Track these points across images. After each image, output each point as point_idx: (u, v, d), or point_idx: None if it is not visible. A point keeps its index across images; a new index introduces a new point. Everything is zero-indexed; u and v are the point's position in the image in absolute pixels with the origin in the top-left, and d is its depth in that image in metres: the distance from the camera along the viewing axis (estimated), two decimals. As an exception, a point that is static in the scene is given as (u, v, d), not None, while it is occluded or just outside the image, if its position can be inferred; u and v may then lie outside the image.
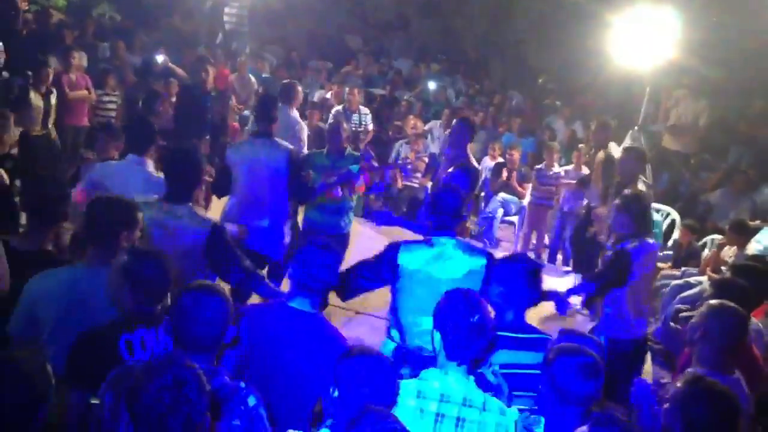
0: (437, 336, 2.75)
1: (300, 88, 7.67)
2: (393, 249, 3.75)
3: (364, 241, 7.84)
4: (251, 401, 2.47)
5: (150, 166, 4.54)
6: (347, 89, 10.27)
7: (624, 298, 4.56)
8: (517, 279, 3.33)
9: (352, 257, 6.62)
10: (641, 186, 5.89)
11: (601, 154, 6.97)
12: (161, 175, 4.30)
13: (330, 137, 5.85)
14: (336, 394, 2.46)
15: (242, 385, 2.51)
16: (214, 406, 2.20)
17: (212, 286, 2.59)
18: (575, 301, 5.40)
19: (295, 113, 7.59)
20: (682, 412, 2.55)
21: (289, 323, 3.03)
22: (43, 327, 2.97)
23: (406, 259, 3.70)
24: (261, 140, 5.21)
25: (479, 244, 3.99)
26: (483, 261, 3.74)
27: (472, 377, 2.75)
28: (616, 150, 6.98)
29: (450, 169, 5.45)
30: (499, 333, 3.14)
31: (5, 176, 5.02)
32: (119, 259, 2.82)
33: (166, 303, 2.81)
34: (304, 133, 7.35)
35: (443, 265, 3.69)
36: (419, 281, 3.67)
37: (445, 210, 3.75)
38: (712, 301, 3.39)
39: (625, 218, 4.61)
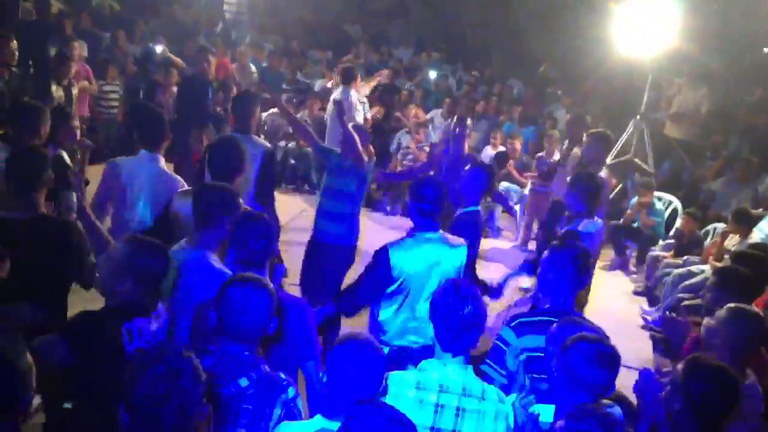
0: (430, 327, 2.78)
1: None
2: (382, 253, 3.74)
3: (366, 232, 7.86)
4: (291, 392, 2.53)
5: (161, 161, 4.49)
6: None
7: None
8: (567, 266, 3.29)
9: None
10: (604, 173, 5.99)
11: (576, 151, 6.78)
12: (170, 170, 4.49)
13: (346, 143, 5.25)
14: (325, 379, 2.46)
15: (282, 376, 2.56)
16: (208, 391, 2.20)
17: (259, 279, 2.63)
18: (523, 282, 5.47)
19: (353, 94, 8.04)
20: (682, 390, 2.58)
21: None
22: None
23: (399, 258, 3.69)
24: (238, 137, 5.11)
25: (456, 238, 3.99)
26: (464, 249, 3.87)
27: (470, 367, 2.77)
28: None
29: (467, 167, 5.34)
30: (545, 318, 3.16)
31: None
32: (116, 248, 2.88)
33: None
34: (360, 115, 7.43)
35: (438, 256, 3.72)
36: (424, 276, 3.70)
37: (428, 199, 3.76)
38: (731, 306, 3.36)
39: (574, 196, 4.74)
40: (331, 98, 8.55)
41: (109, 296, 2.88)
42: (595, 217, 4.82)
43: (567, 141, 7.37)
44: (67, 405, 2.53)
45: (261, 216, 3.23)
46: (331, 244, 5.24)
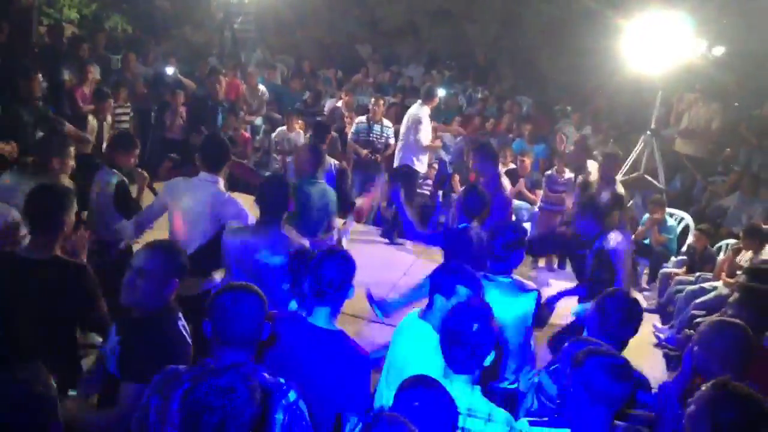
0: (440, 348, 2.75)
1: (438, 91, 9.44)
2: None
3: (378, 250, 7.88)
4: (292, 396, 2.52)
5: (221, 184, 4.49)
6: (372, 99, 10.06)
7: None
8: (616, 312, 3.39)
9: (364, 264, 6.71)
10: (619, 187, 6.45)
11: (579, 178, 7.07)
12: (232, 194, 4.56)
13: None
14: None
15: (281, 380, 2.55)
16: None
17: (248, 286, 2.66)
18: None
19: (425, 110, 8.78)
20: (709, 416, 2.51)
21: (310, 341, 2.94)
22: None
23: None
24: None
25: (529, 283, 4.01)
26: (534, 295, 3.89)
27: (477, 387, 2.74)
28: (593, 168, 7.15)
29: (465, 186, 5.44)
30: None
31: None
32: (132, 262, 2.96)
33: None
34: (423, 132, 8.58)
35: (503, 303, 3.68)
36: None
37: (503, 245, 3.85)
38: (713, 319, 3.35)
39: (588, 222, 4.98)
40: (411, 114, 8.96)
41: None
42: (612, 229, 4.96)
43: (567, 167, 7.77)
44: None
45: (336, 251, 3.14)
46: None
